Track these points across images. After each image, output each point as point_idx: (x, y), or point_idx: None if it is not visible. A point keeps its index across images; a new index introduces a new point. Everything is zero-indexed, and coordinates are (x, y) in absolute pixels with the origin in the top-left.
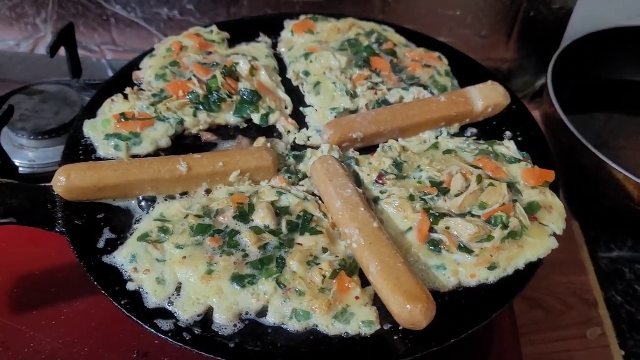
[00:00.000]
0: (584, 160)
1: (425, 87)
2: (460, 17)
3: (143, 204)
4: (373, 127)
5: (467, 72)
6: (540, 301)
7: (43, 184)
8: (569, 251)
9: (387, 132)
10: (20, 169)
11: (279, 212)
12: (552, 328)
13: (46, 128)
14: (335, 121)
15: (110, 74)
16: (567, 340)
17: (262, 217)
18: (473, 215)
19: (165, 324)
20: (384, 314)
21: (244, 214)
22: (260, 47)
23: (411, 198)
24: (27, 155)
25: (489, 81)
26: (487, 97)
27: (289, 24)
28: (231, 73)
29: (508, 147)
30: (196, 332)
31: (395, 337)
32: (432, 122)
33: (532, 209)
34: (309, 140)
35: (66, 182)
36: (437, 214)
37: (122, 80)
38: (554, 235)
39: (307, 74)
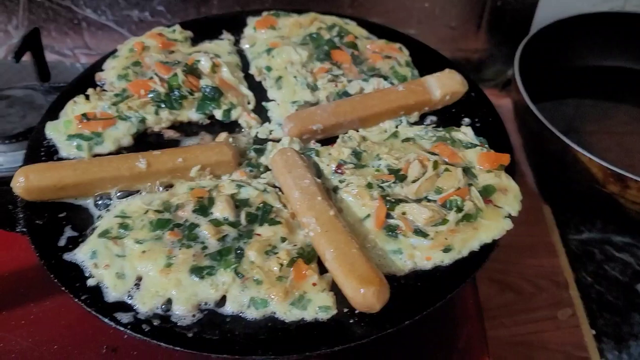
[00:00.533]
0: (551, 145)
1: (385, 78)
2: (429, 8)
3: (100, 202)
4: (333, 118)
5: (427, 62)
6: (511, 284)
7: (4, 187)
8: (540, 234)
9: (346, 122)
10: None
11: (239, 204)
12: (523, 310)
13: (13, 132)
14: (295, 114)
15: None
16: (538, 321)
17: (221, 210)
18: (429, 200)
19: (125, 317)
20: (341, 299)
21: (203, 208)
22: (222, 44)
23: (369, 186)
24: None
25: (446, 69)
26: (444, 85)
27: (251, 21)
28: (192, 70)
29: (465, 132)
30: (155, 323)
31: (351, 321)
32: (391, 111)
33: (487, 192)
34: (270, 133)
35: (25, 182)
36: (394, 200)
37: (85, 82)
38: (509, 216)
39: (269, 69)
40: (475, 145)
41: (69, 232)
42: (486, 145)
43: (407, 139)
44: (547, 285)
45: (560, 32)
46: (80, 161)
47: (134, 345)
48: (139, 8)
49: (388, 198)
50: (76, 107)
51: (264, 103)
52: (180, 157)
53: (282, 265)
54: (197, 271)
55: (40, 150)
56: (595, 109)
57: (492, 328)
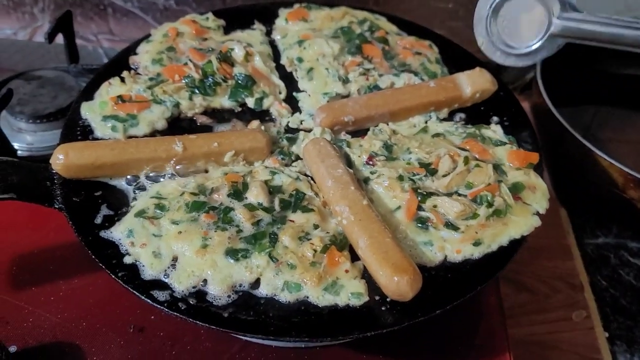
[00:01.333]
0: (571, 148)
1: (416, 74)
2: (452, 9)
3: (135, 182)
4: (364, 111)
5: (456, 60)
6: (527, 284)
7: (42, 163)
8: (556, 237)
9: (377, 116)
10: (19, 151)
11: (272, 190)
12: (538, 310)
13: (44, 112)
14: (328, 105)
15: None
16: (552, 322)
17: (255, 195)
18: (459, 195)
19: (161, 295)
20: (373, 286)
21: (237, 192)
22: (254, 34)
23: (400, 178)
24: (25, 139)
25: (476, 68)
26: (474, 83)
27: (283, 12)
28: (226, 58)
29: (494, 130)
30: (191, 302)
31: (383, 308)
32: (421, 106)
33: (516, 189)
34: (301, 123)
35: (64, 159)
36: (425, 193)
37: (119, 64)
38: (537, 214)
39: (300, 60)
40: (505, 143)
41: (105, 211)
42: (515, 144)
43: (436, 134)
44: (562, 287)
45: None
46: (118, 141)
47: (161, 326)
48: None
49: (419, 191)
50: (111, 89)
51: (295, 93)
52: (216, 142)
53: (315, 251)
54: (233, 253)
55: (76, 130)
56: (614, 116)
57: (508, 326)
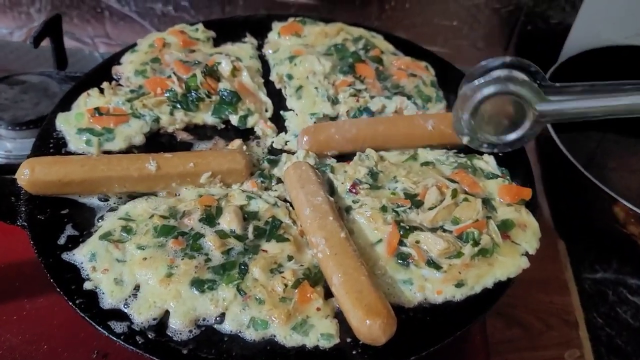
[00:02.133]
0: (573, 179)
1: (409, 97)
2: (457, 27)
3: (104, 202)
4: (350, 145)
5: (452, 83)
6: (519, 319)
7: (8, 176)
8: (553, 270)
9: (365, 147)
10: None
11: (247, 216)
12: (529, 347)
13: (24, 119)
14: (313, 128)
15: None
16: None
17: (228, 221)
18: (444, 230)
19: (119, 326)
20: (346, 327)
21: (210, 217)
22: (245, 48)
23: (383, 209)
24: (4, 145)
25: None
26: None
27: (276, 26)
28: (212, 72)
29: (487, 161)
30: (150, 336)
31: (354, 352)
32: (413, 145)
33: (505, 227)
34: (286, 144)
35: (30, 175)
36: (408, 227)
37: (102, 74)
38: (526, 254)
39: (290, 77)
40: (497, 176)
41: (69, 231)
42: (508, 177)
43: (426, 163)
44: (556, 323)
45: (590, 62)
46: (89, 157)
47: (125, 354)
48: (162, 1)
49: (402, 224)
50: (89, 100)
51: (282, 112)
52: (192, 162)
53: (286, 285)
54: (198, 284)
55: (49, 142)
56: (618, 145)
57: None
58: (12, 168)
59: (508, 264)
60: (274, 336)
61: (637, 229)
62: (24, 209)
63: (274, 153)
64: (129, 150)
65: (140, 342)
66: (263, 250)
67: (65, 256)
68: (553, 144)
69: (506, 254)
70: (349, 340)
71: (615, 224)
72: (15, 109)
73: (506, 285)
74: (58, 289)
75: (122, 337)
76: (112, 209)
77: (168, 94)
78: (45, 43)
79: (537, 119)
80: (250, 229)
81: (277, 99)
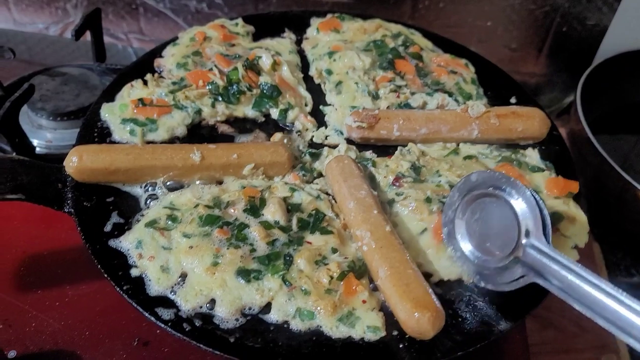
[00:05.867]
0: (610, 181)
1: (450, 94)
2: (491, 27)
3: (149, 190)
4: (405, 133)
5: (492, 81)
6: (553, 321)
7: (55, 164)
8: None
9: (416, 139)
10: (37, 149)
11: (291, 208)
12: (564, 350)
13: (65, 109)
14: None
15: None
16: None
17: (272, 212)
18: None
19: (166, 313)
20: (391, 320)
21: (254, 208)
22: (284, 43)
23: (428, 200)
24: (44, 136)
25: (536, 113)
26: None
27: (315, 22)
28: (252, 66)
29: (530, 155)
30: (197, 323)
31: (401, 345)
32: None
33: (554, 219)
34: (326, 138)
35: (78, 162)
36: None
37: (143, 66)
38: (575, 247)
39: (329, 72)
40: (542, 169)
41: (115, 218)
42: (553, 170)
43: (469, 157)
44: (591, 326)
45: (626, 65)
46: (134, 146)
47: (166, 342)
48: None
49: None
50: (133, 91)
51: (321, 107)
52: (235, 154)
53: (332, 277)
54: (244, 274)
55: (93, 131)
56: None
57: None
58: (52, 157)
59: None
60: (320, 327)
61: None
62: (70, 196)
63: (315, 147)
64: (172, 141)
65: (187, 329)
66: (307, 242)
67: (112, 243)
68: (590, 144)
69: (556, 247)
70: (395, 333)
71: None
72: (56, 99)
73: None
74: (105, 275)
75: (169, 324)
76: (155, 198)
77: (210, 87)
78: (82, 37)
79: (518, 257)
80: (294, 220)
81: (316, 94)
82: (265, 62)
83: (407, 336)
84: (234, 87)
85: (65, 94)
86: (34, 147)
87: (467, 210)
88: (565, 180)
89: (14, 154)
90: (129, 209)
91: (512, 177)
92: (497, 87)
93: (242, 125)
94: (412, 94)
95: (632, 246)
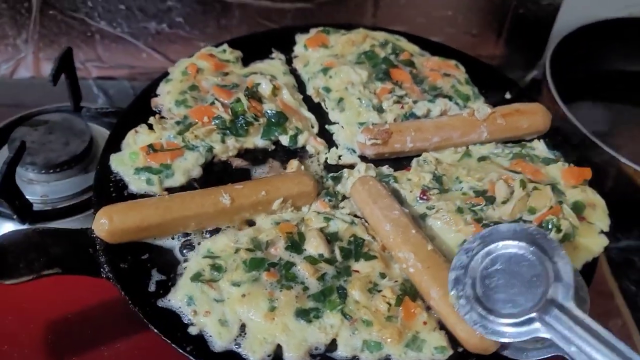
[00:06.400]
0: (591, 154)
1: (450, 98)
2: (452, 17)
3: (182, 241)
4: (418, 143)
5: (482, 78)
6: None
7: (81, 228)
8: None
9: (429, 148)
10: (34, 205)
11: (330, 238)
12: None
13: (57, 160)
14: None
15: (97, 93)
16: None
17: (315, 246)
18: (524, 221)
19: None
20: (451, 337)
21: (295, 244)
22: (275, 64)
23: (459, 210)
24: (37, 190)
25: (539, 109)
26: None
27: (300, 38)
28: (253, 94)
29: (538, 148)
30: None
31: None
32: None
33: (577, 209)
34: (340, 158)
35: (109, 224)
36: (492, 224)
37: (140, 108)
38: (602, 232)
39: (327, 90)
40: (554, 160)
41: (157, 276)
42: (563, 159)
43: (482, 158)
44: (591, 295)
45: (586, 38)
46: (161, 199)
47: None
48: (156, 20)
49: (484, 222)
50: (138, 137)
51: (327, 126)
52: (263, 190)
53: (389, 304)
54: (303, 314)
55: (109, 186)
56: (622, 114)
57: None
58: (53, 214)
59: (591, 244)
60: (390, 356)
61: None
62: (103, 260)
63: (330, 169)
64: (190, 184)
65: None
66: (355, 271)
67: (161, 303)
68: (567, 120)
69: (586, 235)
70: (460, 350)
71: (636, 193)
72: (45, 151)
73: (594, 266)
74: (165, 339)
75: None
76: (189, 244)
77: (216, 122)
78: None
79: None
80: (337, 251)
81: (318, 113)
82: (265, 88)
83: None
84: (241, 119)
85: (52, 144)
86: (31, 205)
87: (487, 258)
88: (579, 169)
89: (16, 217)
90: (167, 263)
91: (550, 236)
92: (490, 84)
93: (254, 156)
94: (415, 102)
95: (616, 213)
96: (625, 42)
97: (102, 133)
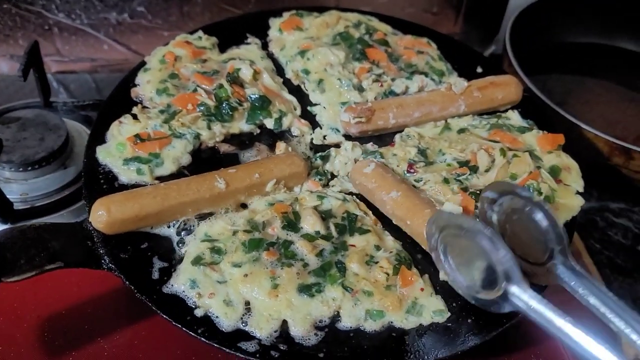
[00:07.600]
0: (554, 122)
1: (426, 74)
2: None
3: (179, 227)
4: (400, 119)
5: (454, 53)
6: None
7: (75, 221)
8: None
9: (410, 124)
10: (14, 204)
11: (324, 216)
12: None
13: (35, 157)
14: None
15: (57, 87)
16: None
17: (311, 224)
18: None
19: (250, 346)
20: (449, 295)
21: (292, 223)
22: (252, 49)
23: (446, 181)
24: (15, 189)
25: (511, 80)
26: (506, 97)
27: (274, 22)
28: (235, 80)
29: (512, 118)
30: (282, 348)
31: (469, 320)
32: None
33: (554, 172)
34: (325, 138)
35: (107, 215)
36: (477, 192)
37: (119, 99)
38: (578, 193)
39: (306, 72)
40: (529, 129)
41: (158, 263)
42: (536, 127)
43: (461, 130)
44: None
45: (542, 12)
46: (157, 187)
47: None
48: (117, 10)
49: (470, 190)
50: (123, 127)
51: (309, 108)
52: (256, 173)
53: (387, 274)
54: (306, 289)
55: (98, 178)
56: (578, 84)
57: None
58: (35, 211)
59: (569, 205)
60: (392, 322)
61: (620, 159)
62: (103, 252)
63: (316, 149)
64: (180, 172)
65: (276, 356)
66: (351, 245)
67: (166, 289)
68: (529, 91)
69: (564, 197)
70: (454, 305)
71: (599, 159)
72: (21, 148)
73: (572, 225)
74: (175, 323)
75: (258, 356)
76: (185, 229)
77: (201, 109)
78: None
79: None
80: (332, 227)
81: (299, 95)
82: (246, 73)
83: (471, 311)
84: (225, 104)
85: (28, 141)
86: (11, 204)
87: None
88: (552, 135)
89: None
90: (167, 250)
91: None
92: (460, 58)
93: (241, 140)
94: (393, 80)
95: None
96: (579, 15)
97: (76, 127)
